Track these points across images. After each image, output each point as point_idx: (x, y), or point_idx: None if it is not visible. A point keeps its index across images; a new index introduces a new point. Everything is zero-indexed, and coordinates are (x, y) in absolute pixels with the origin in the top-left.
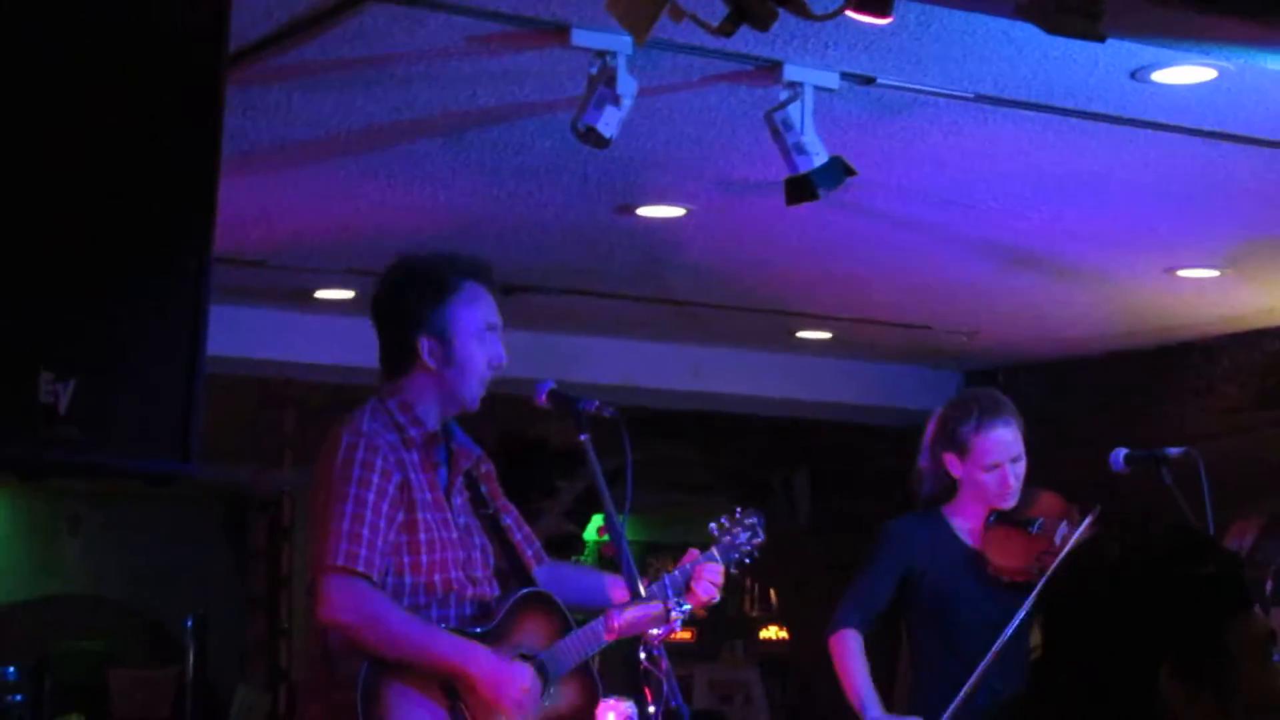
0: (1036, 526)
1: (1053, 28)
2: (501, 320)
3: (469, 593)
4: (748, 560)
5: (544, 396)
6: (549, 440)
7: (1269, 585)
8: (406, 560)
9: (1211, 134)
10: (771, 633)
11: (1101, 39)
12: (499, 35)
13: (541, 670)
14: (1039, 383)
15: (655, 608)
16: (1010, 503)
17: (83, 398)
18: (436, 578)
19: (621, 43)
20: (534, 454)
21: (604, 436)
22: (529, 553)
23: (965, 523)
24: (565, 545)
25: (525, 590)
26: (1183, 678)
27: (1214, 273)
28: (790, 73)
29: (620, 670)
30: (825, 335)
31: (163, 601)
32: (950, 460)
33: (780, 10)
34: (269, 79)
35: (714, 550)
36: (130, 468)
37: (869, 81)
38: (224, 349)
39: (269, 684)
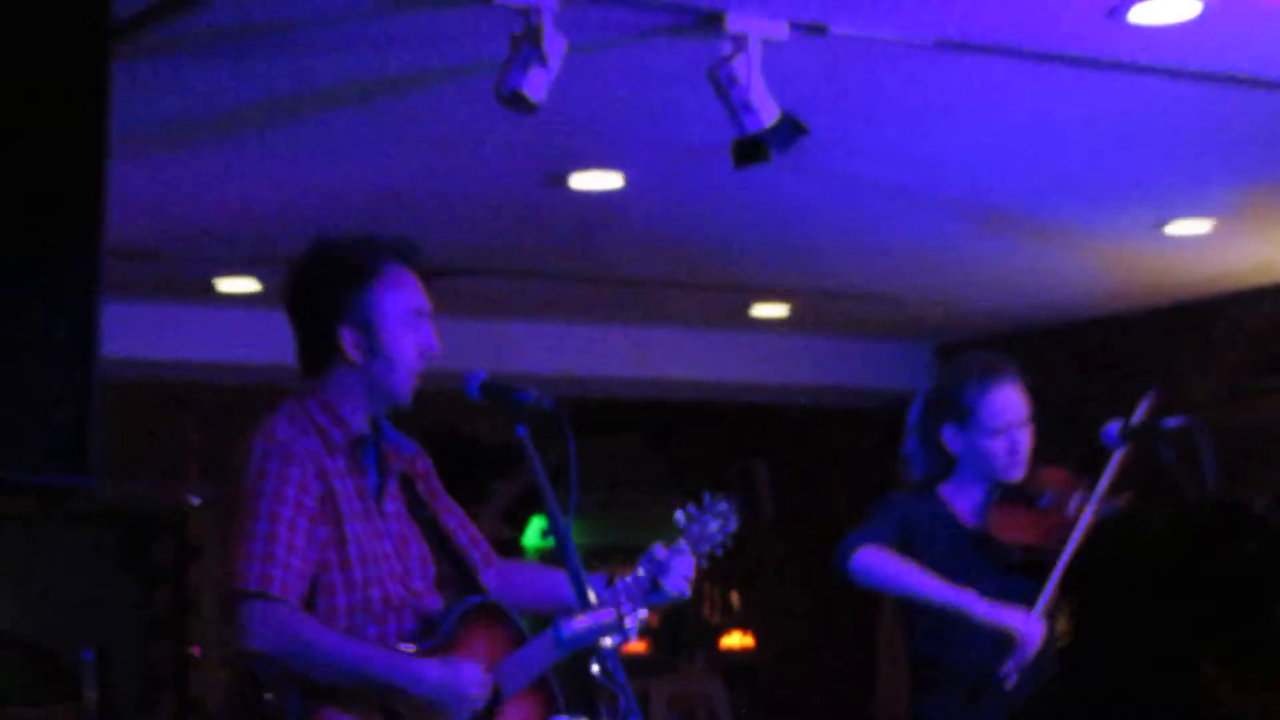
0: (1046, 499)
1: None
2: (431, 306)
3: (409, 607)
4: (719, 551)
5: (475, 389)
6: (480, 438)
7: None
8: (337, 578)
9: (1197, 75)
10: (735, 640)
11: None
12: None
13: (494, 690)
14: (1019, 354)
15: (608, 615)
16: (1019, 473)
17: None
18: (373, 593)
19: None
20: (465, 454)
21: (542, 431)
22: (476, 556)
23: (965, 502)
24: (502, 552)
25: (471, 601)
26: (1228, 661)
27: (1206, 227)
28: (734, 23)
29: (571, 684)
30: (782, 311)
31: (57, 632)
32: (949, 433)
33: None
34: (157, 51)
35: (682, 542)
36: (22, 483)
37: (821, 30)
38: (117, 350)
39: (179, 719)
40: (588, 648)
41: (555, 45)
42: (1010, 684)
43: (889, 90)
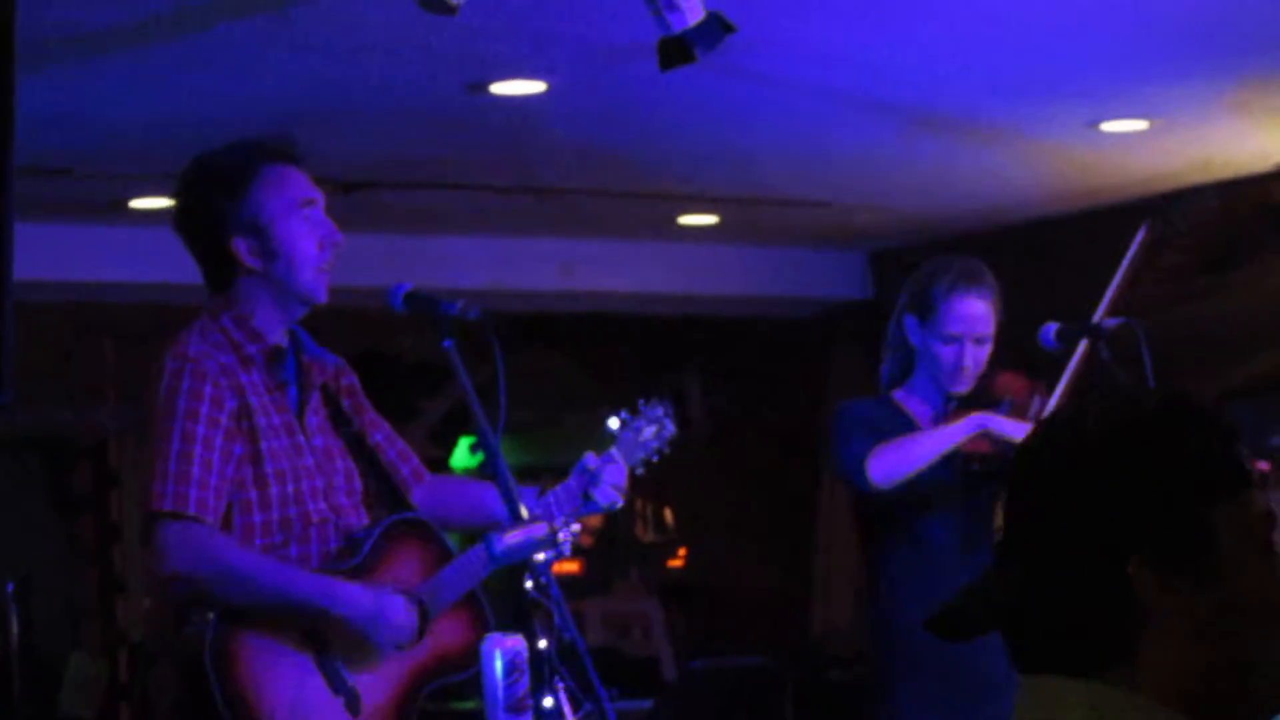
0: (1005, 407)
1: None
2: (322, 196)
3: (331, 525)
4: (655, 458)
5: (400, 300)
6: (404, 355)
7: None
8: (254, 495)
9: None
10: (675, 560)
11: None
12: None
13: (420, 606)
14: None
15: (540, 530)
16: (962, 387)
17: None
18: (291, 511)
19: None
20: (389, 371)
21: (470, 346)
22: (405, 471)
23: (922, 408)
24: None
25: (394, 517)
26: (1157, 561)
27: (1143, 124)
28: None
29: (504, 602)
30: (711, 220)
31: None
32: (910, 325)
33: None
34: None
35: (613, 451)
36: None
37: None
38: (28, 272)
39: (106, 649)
40: (520, 563)
41: None
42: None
43: None
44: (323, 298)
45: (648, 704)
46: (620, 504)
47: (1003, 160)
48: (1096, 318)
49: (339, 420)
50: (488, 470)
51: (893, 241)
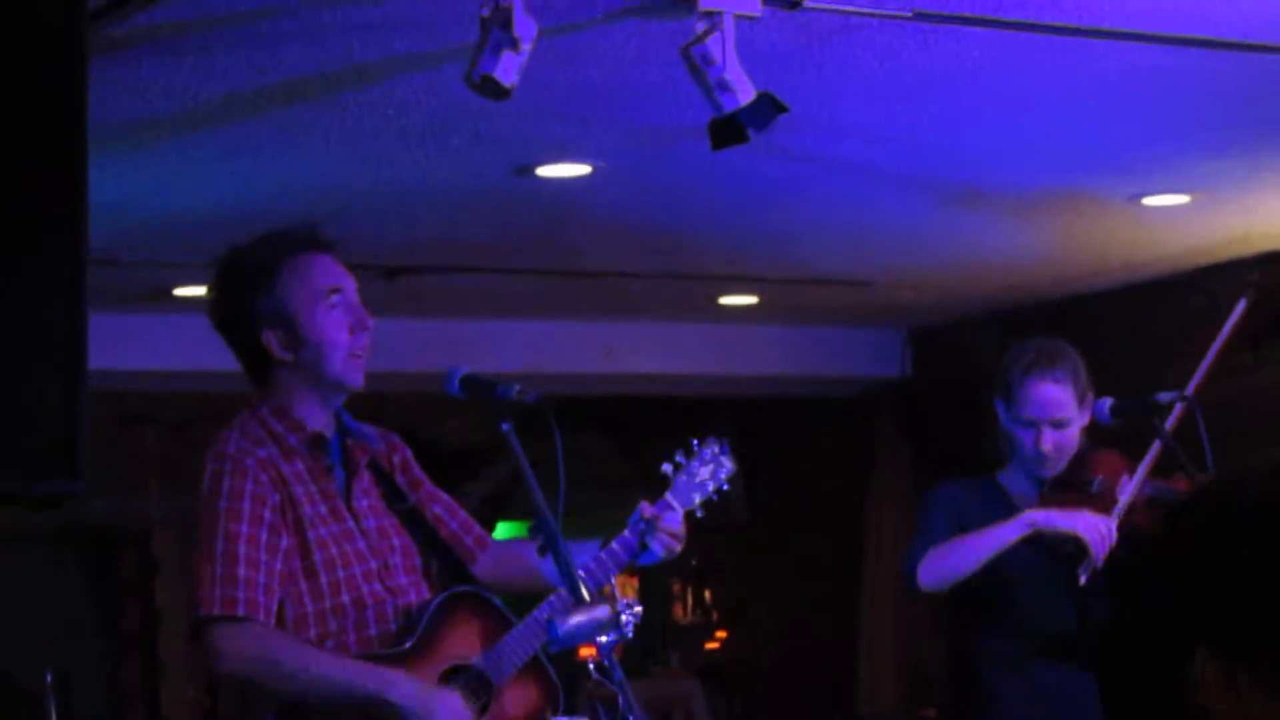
0: (1096, 485)
1: None
2: (354, 281)
3: (389, 605)
4: (715, 497)
5: (456, 384)
6: (443, 441)
7: None
8: (305, 587)
9: (1177, 39)
10: (715, 642)
11: None
12: None
13: (482, 680)
14: (995, 336)
15: (603, 611)
16: (1047, 471)
17: None
18: (345, 598)
19: None
20: (428, 458)
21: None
22: (468, 541)
23: (1020, 489)
24: None
25: (449, 591)
26: (1225, 653)
27: (1185, 199)
28: (707, 0)
29: (566, 685)
30: (752, 300)
31: (15, 654)
32: (999, 408)
33: None
34: (114, 47)
35: (668, 496)
36: (11, 491)
37: (796, 5)
38: None
39: None
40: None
41: (527, 29)
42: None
43: (864, 66)
44: (357, 383)
45: None
46: (678, 551)
47: (1041, 235)
48: (1190, 390)
49: (393, 498)
50: (546, 552)
51: (932, 319)
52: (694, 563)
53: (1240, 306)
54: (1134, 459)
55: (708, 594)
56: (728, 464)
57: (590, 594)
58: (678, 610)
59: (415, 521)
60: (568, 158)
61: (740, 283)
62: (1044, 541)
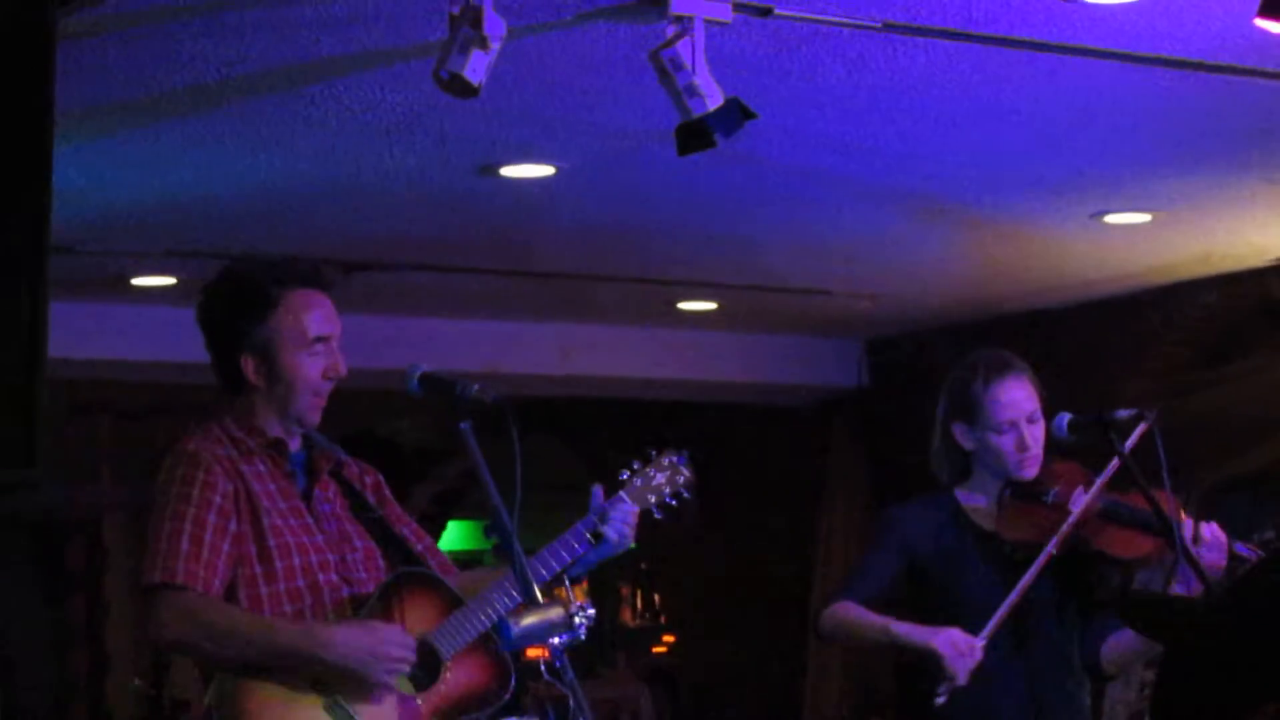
0: (1051, 496)
1: None
2: (339, 328)
3: (345, 592)
4: (673, 502)
5: (416, 382)
6: (398, 439)
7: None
8: (259, 570)
9: (1144, 58)
10: (663, 646)
11: None
12: None
13: (431, 652)
14: (951, 348)
15: (556, 613)
16: (1033, 470)
17: None
18: (301, 583)
19: None
20: (384, 456)
21: (450, 435)
22: (433, 564)
23: (981, 503)
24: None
25: (397, 572)
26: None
27: (1145, 217)
28: (678, 4)
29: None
30: (711, 306)
31: None
32: (959, 431)
33: None
34: (81, 33)
35: (622, 493)
36: None
37: (766, 12)
38: None
39: None
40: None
41: (496, 28)
42: (940, 702)
43: (832, 75)
44: (314, 423)
45: None
46: (630, 542)
47: (1005, 250)
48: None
49: (359, 508)
50: (500, 552)
51: (890, 329)
52: (643, 566)
53: (1137, 431)
54: (1094, 471)
55: (656, 598)
56: (686, 472)
57: (543, 594)
58: (626, 613)
59: (381, 530)
60: (532, 158)
61: (700, 288)
62: (1001, 550)
